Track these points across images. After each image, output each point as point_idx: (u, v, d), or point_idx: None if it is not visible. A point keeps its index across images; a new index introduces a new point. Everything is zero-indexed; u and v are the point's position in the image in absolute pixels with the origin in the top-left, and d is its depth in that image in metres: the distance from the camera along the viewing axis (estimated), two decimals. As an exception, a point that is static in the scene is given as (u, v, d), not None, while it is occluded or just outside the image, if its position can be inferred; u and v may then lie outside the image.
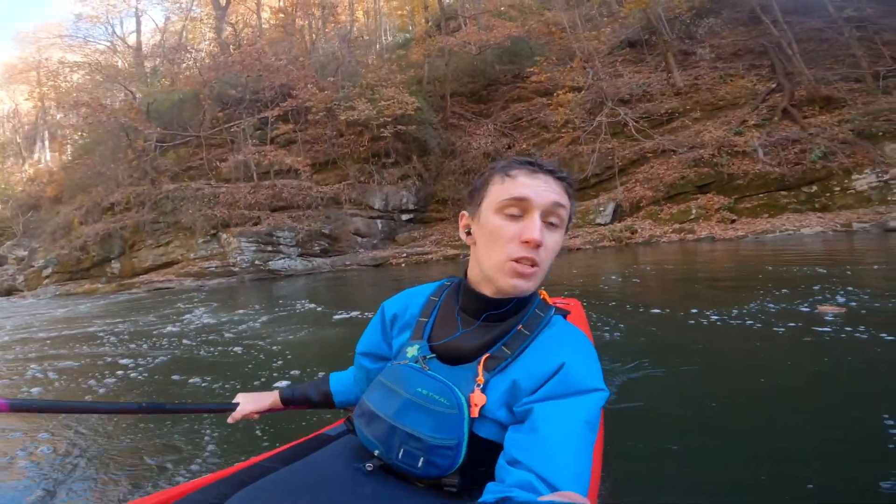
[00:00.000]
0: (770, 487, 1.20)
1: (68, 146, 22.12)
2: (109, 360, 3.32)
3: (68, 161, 20.36)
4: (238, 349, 3.32)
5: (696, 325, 2.80)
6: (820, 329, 2.43)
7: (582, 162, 12.36)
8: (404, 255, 11.40)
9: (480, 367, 0.65)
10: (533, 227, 0.64)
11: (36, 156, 26.30)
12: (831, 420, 1.55)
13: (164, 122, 14.36)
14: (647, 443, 1.46)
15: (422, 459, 0.64)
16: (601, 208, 11.11)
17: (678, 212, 10.21)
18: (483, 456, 0.64)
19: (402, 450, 0.65)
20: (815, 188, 9.42)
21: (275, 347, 3.26)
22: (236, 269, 10.56)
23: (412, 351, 0.72)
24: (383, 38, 23.57)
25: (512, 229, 0.65)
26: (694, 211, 9.98)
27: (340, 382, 0.94)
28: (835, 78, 11.29)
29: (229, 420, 0.95)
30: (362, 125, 13.25)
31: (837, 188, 9.22)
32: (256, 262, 10.75)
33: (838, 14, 12.00)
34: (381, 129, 12.86)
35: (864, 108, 9.94)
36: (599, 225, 10.77)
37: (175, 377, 2.66)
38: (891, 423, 1.41)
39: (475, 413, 0.62)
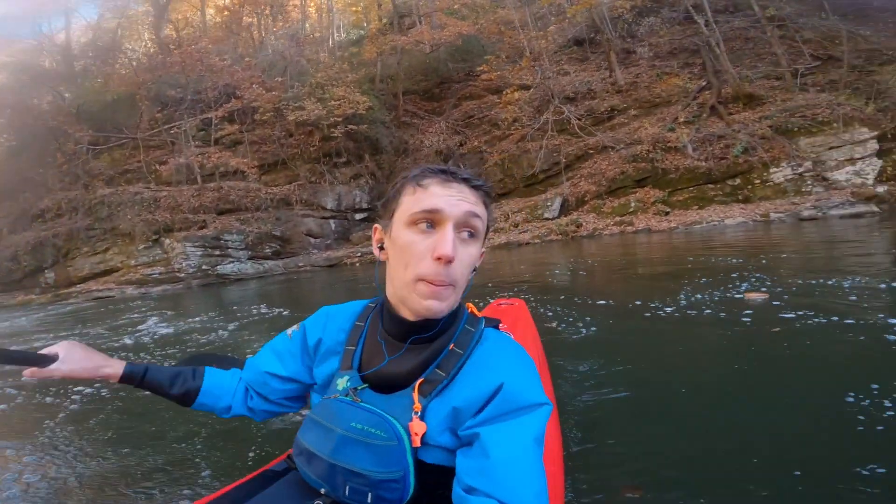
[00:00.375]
0: (719, 460, 1.33)
1: None
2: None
3: None
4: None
5: (639, 315, 2.97)
6: (747, 314, 2.64)
7: (530, 158, 12.78)
8: (359, 254, 11.41)
9: (416, 394, 0.63)
10: (445, 241, 0.60)
11: None
12: (768, 396, 1.69)
13: (96, 124, 13.61)
14: (604, 433, 1.54)
15: (370, 494, 0.62)
16: (548, 203, 11.55)
17: (618, 205, 10.79)
18: (435, 480, 0.62)
19: (347, 486, 0.63)
20: (738, 181, 10.17)
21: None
22: (182, 275, 10.22)
23: (342, 383, 0.69)
24: (336, 35, 23.23)
25: (423, 245, 0.61)
26: (633, 204, 10.58)
27: (215, 384, 0.82)
28: (757, 76, 12.24)
29: (27, 375, 0.75)
30: (312, 125, 13.10)
31: (757, 181, 9.99)
32: (204, 266, 10.44)
33: (762, 13, 12.98)
34: (332, 129, 12.77)
35: (782, 104, 10.84)
36: (547, 219, 11.20)
37: (143, 393, 2.63)
38: (819, 396, 1.63)
39: (417, 442, 0.60)
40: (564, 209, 11.53)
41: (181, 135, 12.88)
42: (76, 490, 1.56)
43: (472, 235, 0.64)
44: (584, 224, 10.50)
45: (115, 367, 0.78)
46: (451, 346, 0.65)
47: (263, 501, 0.71)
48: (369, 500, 0.62)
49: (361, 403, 0.65)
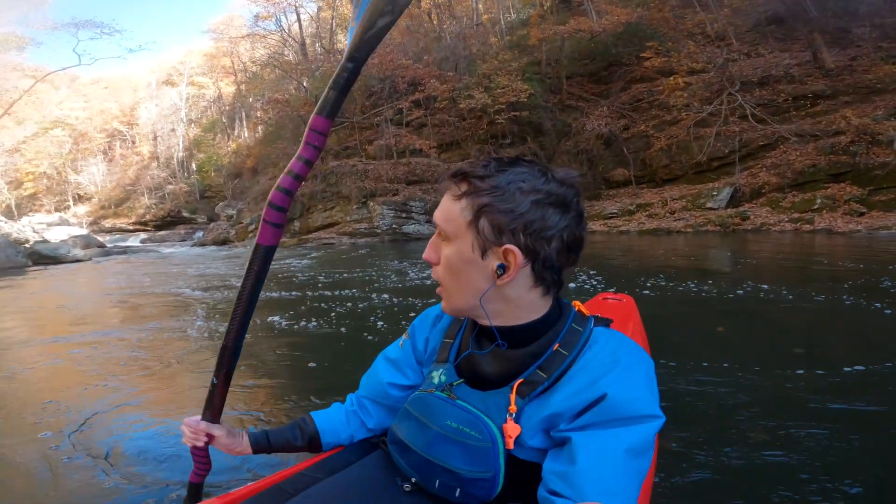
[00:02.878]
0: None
1: (259, 127, 28.02)
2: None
3: (261, 139, 25.64)
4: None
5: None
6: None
7: (702, 144, 12.58)
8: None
9: (513, 395, 0.62)
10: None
11: (236, 132, 33.59)
12: None
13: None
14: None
15: (458, 490, 0.64)
16: (714, 192, 11.43)
17: (801, 200, 10.13)
18: (524, 476, 0.63)
19: (437, 481, 0.65)
20: None
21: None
22: (378, 231, 13.64)
23: (437, 376, 0.71)
24: (505, 16, 24.73)
25: None
26: (819, 200, 9.84)
27: (328, 423, 0.85)
28: None
29: (189, 438, 0.80)
30: (480, 111, 15.24)
31: None
32: (393, 226, 13.71)
33: None
34: (496, 116, 14.70)
35: None
36: (710, 209, 11.17)
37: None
38: None
39: (510, 445, 0.61)
40: (735, 200, 11.26)
41: (382, 120, 16.49)
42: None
43: (445, 238, 0.63)
44: (751, 217, 10.26)
45: (245, 441, 0.82)
46: (556, 346, 0.63)
47: (359, 473, 0.75)
48: (457, 495, 0.64)
49: (457, 401, 0.65)
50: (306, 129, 0.70)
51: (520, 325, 0.63)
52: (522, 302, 0.62)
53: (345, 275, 6.40)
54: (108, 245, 18.53)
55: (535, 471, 0.61)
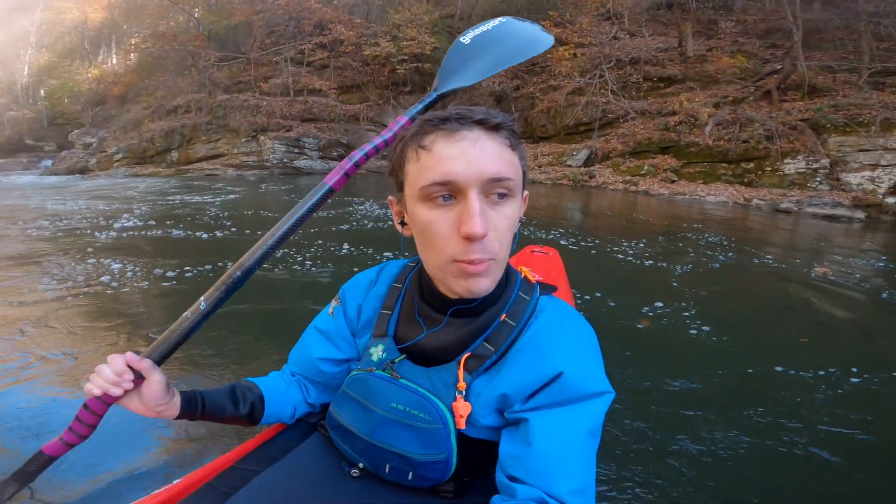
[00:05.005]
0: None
1: (133, 55, 25.87)
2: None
3: (134, 67, 24.15)
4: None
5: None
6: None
7: (574, 111, 14.43)
8: (404, 172, 14.37)
9: (461, 370, 0.59)
10: (470, 215, 0.51)
11: (100, 59, 30.56)
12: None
13: (220, 44, 17.69)
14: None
15: (411, 474, 0.62)
16: (575, 153, 13.36)
17: (634, 166, 12.32)
18: (478, 452, 0.62)
19: (388, 466, 0.63)
20: (751, 165, 11.06)
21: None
22: (268, 164, 13.92)
23: (377, 353, 0.66)
24: None
25: (445, 222, 0.54)
26: (646, 168, 12.06)
27: (272, 391, 0.75)
28: (838, 68, 12.15)
29: (107, 381, 0.62)
30: (384, 59, 15.80)
31: (769, 168, 10.77)
32: (284, 160, 14.08)
33: (861, 6, 12.39)
34: (399, 66, 15.39)
35: (835, 100, 11.07)
36: (568, 167, 13.09)
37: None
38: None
39: (461, 424, 0.59)
40: (589, 161, 13.26)
41: (282, 59, 16.35)
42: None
43: (504, 196, 0.54)
44: (596, 176, 12.29)
45: (175, 403, 0.67)
46: (503, 316, 0.61)
47: (298, 461, 0.70)
48: (410, 478, 0.62)
49: (401, 381, 0.62)
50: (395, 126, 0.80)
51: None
52: None
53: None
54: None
55: (489, 448, 0.61)
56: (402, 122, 0.81)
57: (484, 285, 0.56)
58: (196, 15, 19.27)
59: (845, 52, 12.73)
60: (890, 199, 9.48)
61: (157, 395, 0.63)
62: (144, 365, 0.63)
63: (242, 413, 0.72)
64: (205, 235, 4.41)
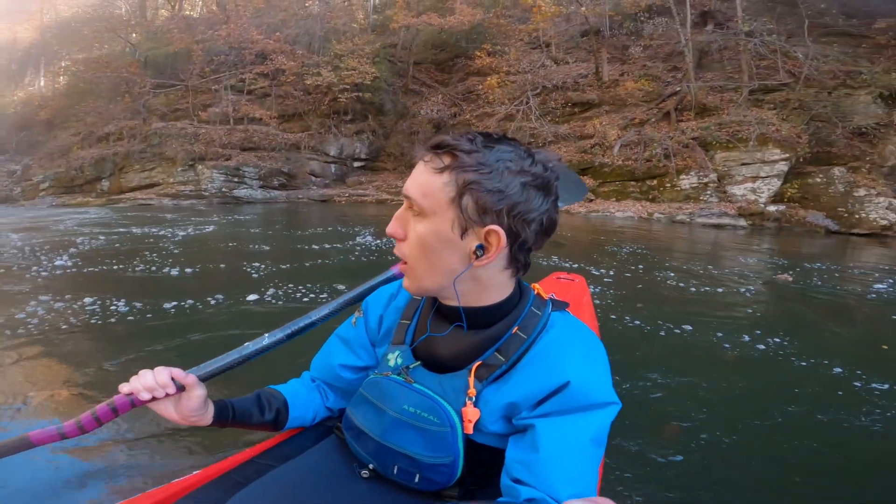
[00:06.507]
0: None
1: (62, 77, 25.06)
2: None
3: (63, 91, 23.31)
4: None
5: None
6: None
7: (506, 136, 15.62)
8: (346, 194, 14.92)
9: (471, 378, 0.64)
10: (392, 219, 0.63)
11: (27, 80, 29.24)
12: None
13: (158, 70, 17.77)
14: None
15: (418, 476, 0.65)
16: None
17: (557, 186, 13.56)
18: (483, 459, 0.65)
19: (395, 467, 0.67)
20: (655, 182, 12.52)
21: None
22: (206, 193, 14.06)
23: (393, 359, 0.71)
24: None
25: None
26: (568, 186, 13.32)
27: (295, 397, 0.83)
28: (728, 87, 13.87)
29: (146, 385, 0.69)
30: (325, 89, 16.48)
31: (668, 185, 12.25)
32: (223, 189, 14.25)
33: (740, 27, 14.23)
34: (340, 94, 16.11)
35: (720, 118, 12.64)
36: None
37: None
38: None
39: (469, 429, 0.62)
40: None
41: (221, 87, 16.66)
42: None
43: (418, 214, 0.61)
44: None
45: (210, 412, 0.75)
46: (515, 329, 0.65)
47: (312, 460, 0.75)
48: (416, 481, 0.66)
49: (414, 384, 0.67)
50: None
51: (485, 306, 0.65)
52: (492, 283, 0.63)
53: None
54: None
55: (495, 455, 0.64)
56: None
57: (407, 284, 0.66)
58: (133, 40, 19.23)
59: (731, 72, 14.73)
60: (771, 208, 11.11)
61: (195, 406, 0.71)
62: (189, 380, 0.70)
63: (268, 419, 0.79)
64: (141, 268, 4.22)
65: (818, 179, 11.33)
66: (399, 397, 0.67)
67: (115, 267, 4.26)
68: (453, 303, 0.65)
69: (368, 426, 0.70)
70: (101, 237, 6.26)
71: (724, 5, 16.02)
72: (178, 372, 0.70)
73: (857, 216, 10.54)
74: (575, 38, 19.05)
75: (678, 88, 14.71)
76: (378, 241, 6.10)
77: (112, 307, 2.94)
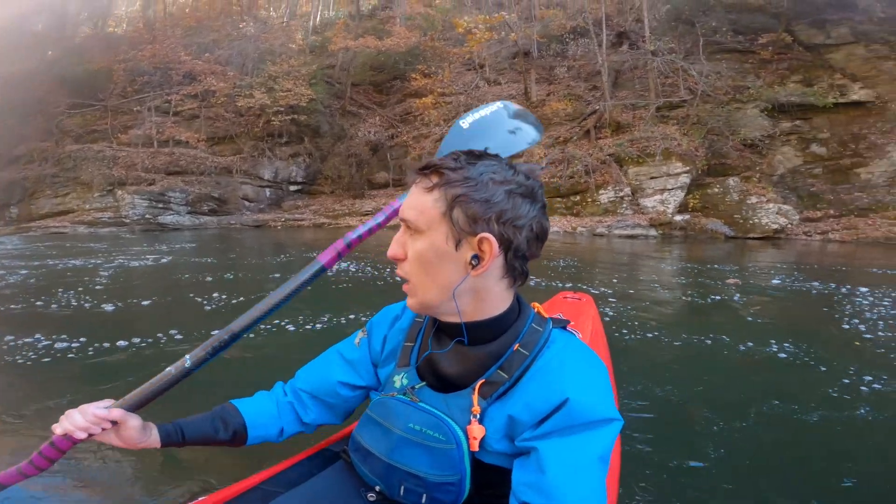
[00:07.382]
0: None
1: None
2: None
3: None
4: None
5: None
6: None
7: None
8: (282, 219, 14.67)
9: (475, 395, 0.65)
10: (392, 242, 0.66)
11: None
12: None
13: (76, 89, 16.92)
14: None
15: (425, 496, 0.66)
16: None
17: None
18: (490, 479, 0.65)
19: (402, 487, 0.67)
20: (578, 198, 13.34)
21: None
22: (127, 220, 13.41)
23: (399, 380, 0.73)
24: (320, 13, 25.87)
25: None
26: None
27: (256, 414, 0.82)
28: (640, 104, 14.87)
29: (81, 425, 0.68)
30: (258, 111, 16.33)
31: (589, 199, 13.12)
32: (147, 216, 13.67)
33: (647, 47, 15.10)
34: (274, 117, 16.01)
35: (632, 134, 13.66)
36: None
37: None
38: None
39: (475, 446, 0.63)
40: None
41: (145, 108, 16.09)
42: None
43: (416, 231, 0.64)
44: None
45: (154, 437, 0.75)
46: (517, 346, 0.66)
47: (321, 485, 0.76)
48: (423, 501, 0.66)
49: (420, 403, 0.68)
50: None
51: (485, 320, 0.66)
52: (490, 294, 0.65)
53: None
54: None
55: (503, 475, 0.64)
56: (395, 206, 0.85)
57: (410, 303, 0.69)
58: (49, 57, 18.23)
59: (640, 90, 15.96)
60: (678, 217, 12.17)
61: (133, 436, 0.72)
62: (115, 415, 0.70)
63: (224, 438, 0.79)
64: (75, 303, 3.98)
65: (716, 189, 12.53)
66: (405, 416, 0.68)
67: (38, 303, 3.99)
68: (454, 319, 0.67)
69: (375, 446, 0.71)
70: (23, 271, 5.79)
71: (638, 26, 17.40)
72: (100, 411, 0.69)
73: (750, 222, 11.74)
74: (506, 60, 20.04)
75: (597, 107, 15.74)
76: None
77: (40, 346, 2.81)
